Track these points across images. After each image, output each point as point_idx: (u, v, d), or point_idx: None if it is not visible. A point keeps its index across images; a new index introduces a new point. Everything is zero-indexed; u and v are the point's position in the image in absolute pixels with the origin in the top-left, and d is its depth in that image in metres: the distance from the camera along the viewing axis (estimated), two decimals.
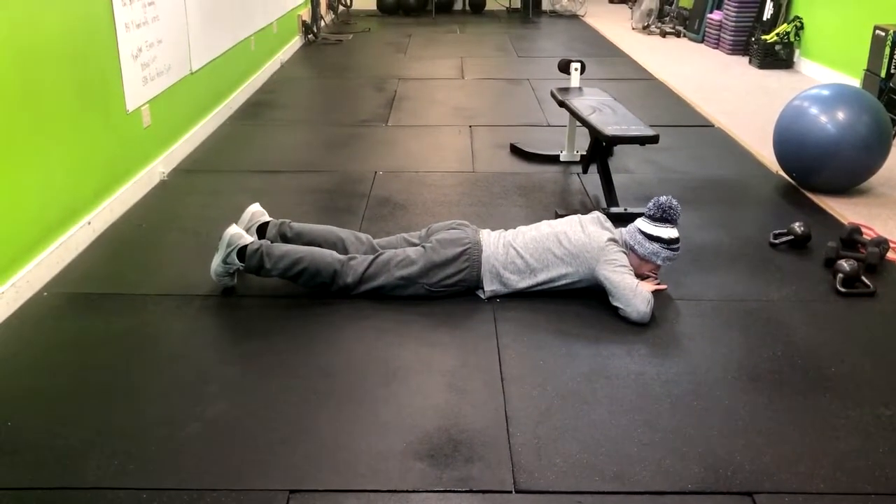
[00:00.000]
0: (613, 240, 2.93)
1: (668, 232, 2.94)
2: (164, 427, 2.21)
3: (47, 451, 2.11)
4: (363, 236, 3.10)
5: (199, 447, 2.13)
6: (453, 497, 1.97)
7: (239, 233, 2.93)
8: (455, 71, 7.18)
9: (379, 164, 4.50)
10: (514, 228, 3.07)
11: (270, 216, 3.17)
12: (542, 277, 2.92)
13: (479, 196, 4.02)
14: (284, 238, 3.07)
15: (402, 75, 6.94)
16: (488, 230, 3.05)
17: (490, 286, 2.92)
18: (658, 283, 3.03)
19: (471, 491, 1.99)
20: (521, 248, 2.93)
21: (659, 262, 2.97)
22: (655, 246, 2.94)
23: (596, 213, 3.07)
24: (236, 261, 2.90)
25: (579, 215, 3.08)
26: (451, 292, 2.92)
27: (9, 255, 2.85)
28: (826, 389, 2.42)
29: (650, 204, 2.98)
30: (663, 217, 2.94)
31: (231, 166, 4.47)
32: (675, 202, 2.95)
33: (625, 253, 2.93)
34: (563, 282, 2.93)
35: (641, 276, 2.98)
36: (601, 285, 2.88)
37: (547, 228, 3.00)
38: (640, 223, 2.99)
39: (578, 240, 2.91)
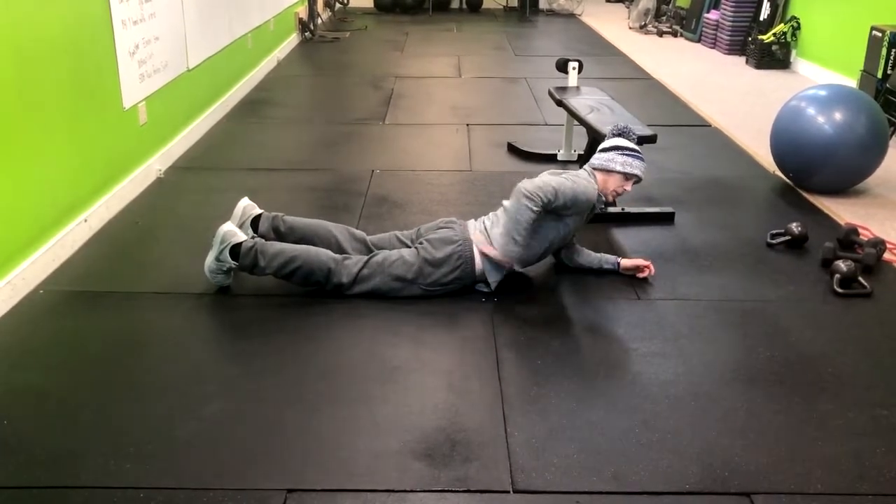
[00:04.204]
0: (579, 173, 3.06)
1: (621, 142, 3.10)
2: (160, 426, 2.20)
3: (43, 450, 2.10)
4: (357, 233, 3.09)
5: (196, 446, 2.13)
6: (451, 497, 1.97)
7: (232, 230, 2.93)
8: (452, 69, 7.18)
9: (376, 163, 4.49)
10: (489, 215, 3.08)
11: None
12: (519, 233, 2.85)
13: (476, 195, 4.02)
14: (277, 232, 3.07)
15: (399, 73, 6.94)
16: (472, 220, 3.07)
17: (492, 277, 2.93)
18: (645, 264, 3.09)
19: (468, 491, 1.99)
20: (501, 224, 2.95)
21: (617, 168, 3.05)
22: (609, 154, 3.09)
23: (551, 170, 3.17)
24: (229, 259, 2.89)
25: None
26: (448, 291, 2.92)
27: (5, 253, 2.84)
28: (823, 390, 2.43)
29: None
30: (619, 134, 3.15)
31: (228, 164, 4.46)
32: (628, 125, 3.20)
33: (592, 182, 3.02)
34: (534, 221, 2.86)
35: (612, 196, 3.11)
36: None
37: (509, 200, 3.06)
38: (599, 147, 3.18)
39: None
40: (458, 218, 3.12)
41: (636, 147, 3.12)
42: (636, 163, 3.09)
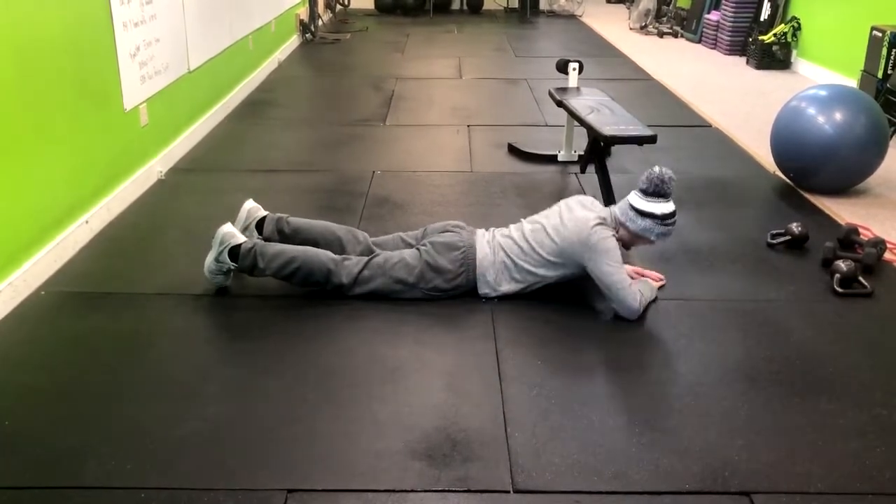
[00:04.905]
0: (601, 222, 2.82)
1: (661, 207, 2.80)
2: (162, 426, 2.21)
3: (45, 451, 2.10)
4: (360, 234, 3.09)
5: (197, 446, 2.13)
6: (451, 497, 1.97)
7: (231, 232, 2.93)
8: (453, 70, 7.18)
9: (377, 164, 4.50)
10: (504, 227, 3.03)
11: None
12: (531, 280, 2.90)
13: (476, 196, 4.02)
14: (281, 234, 3.07)
15: (399, 75, 6.94)
16: (482, 230, 3.03)
17: (483, 289, 2.92)
18: (660, 280, 3.04)
19: (469, 490, 1.99)
20: (509, 250, 2.90)
21: (652, 239, 2.85)
22: (648, 222, 2.81)
23: (579, 197, 3.02)
24: (228, 260, 2.89)
25: (563, 202, 3.00)
26: (449, 296, 2.91)
27: (6, 254, 2.85)
28: (823, 390, 2.43)
29: (643, 177, 2.83)
30: (656, 191, 2.80)
31: (229, 165, 4.46)
32: (668, 174, 2.80)
33: (614, 233, 2.84)
34: (554, 277, 2.91)
35: (633, 248, 2.99)
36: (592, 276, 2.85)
37: (529, 226, 2.95)
38: (633, 198, 2.85)
39: (564, 234, 2.83)
40: (461, 219, 3.11)
41: (673, 209, 2.85)
42: (668, 231, 2.87)
